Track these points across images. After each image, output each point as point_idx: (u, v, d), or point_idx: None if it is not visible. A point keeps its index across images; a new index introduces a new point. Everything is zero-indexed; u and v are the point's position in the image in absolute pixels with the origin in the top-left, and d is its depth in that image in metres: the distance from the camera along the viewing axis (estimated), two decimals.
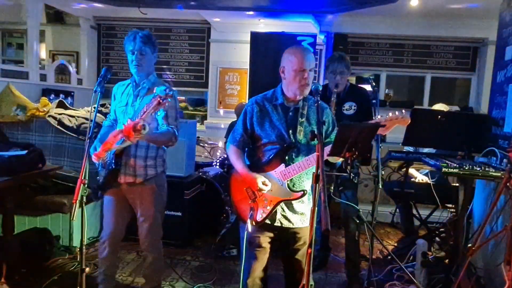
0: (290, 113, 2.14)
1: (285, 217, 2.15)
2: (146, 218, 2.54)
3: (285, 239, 2.24)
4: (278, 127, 2.13)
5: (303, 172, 2.08)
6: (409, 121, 1.99)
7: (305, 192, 2.09)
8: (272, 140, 2.14)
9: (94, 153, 2.33)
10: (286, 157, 2.10)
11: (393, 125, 1.98)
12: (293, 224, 2.16)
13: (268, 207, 2.11)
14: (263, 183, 2.07)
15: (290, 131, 2.12)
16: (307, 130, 2.11)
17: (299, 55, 2.06)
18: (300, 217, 2.17)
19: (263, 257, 2.24)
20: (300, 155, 2.11)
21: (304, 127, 2.12)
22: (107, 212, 2.60)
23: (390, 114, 1.95)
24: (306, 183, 2.15)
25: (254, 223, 2.12)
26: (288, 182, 2.10)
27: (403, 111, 2.00)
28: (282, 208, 2.14)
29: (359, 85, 4.09)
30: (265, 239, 2.21)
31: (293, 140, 2.11)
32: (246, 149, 2.28)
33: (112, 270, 2.70)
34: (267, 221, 2.14)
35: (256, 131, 2.18)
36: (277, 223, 2.16)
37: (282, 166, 2.09)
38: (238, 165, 2.20)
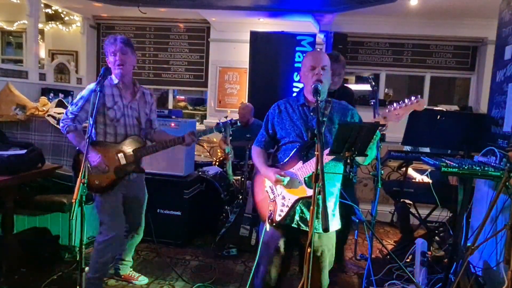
0: (311, 113, 2.16)
1: (303, 219, 2.12)
2: None
3: (302, 242, 2.19)
4: (298, 126, 2.16)
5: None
6: (425, 105, 1.96)
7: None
8: (292, 139, 2.17)
9: None
10: (304, 155, 2.10)
11: (409, 111, 1.94)
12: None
13: (287, 206, 2.11)
14: (280, 175, 2.07)
15: (309, 130, 2.12)
16: (329, 129, 2.11)
17: (309, 55, 2.19)
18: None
19: (279, 259, 2.24)
20: None
21: (325, 126, 2.11)
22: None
23: (406, 100, 1.93)
24: (327, 182, 2.14)
25: (272, 223, 2.14)
26: (306, 179, 2.07)
27: (414, 97, 1.96)
28: (301, 210, 2.12)
29: (344, 85, 4.05)
30: (282, 240, 2.21)
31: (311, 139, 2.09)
32: (272, 151, 2.32)
33: None
34: (286, 222, 2.13)
35: (278, 132, 2.24)
36: (294, 224, 2.14)
37: (300, 163, 2.10)
38: (258, 163, 2.27)
